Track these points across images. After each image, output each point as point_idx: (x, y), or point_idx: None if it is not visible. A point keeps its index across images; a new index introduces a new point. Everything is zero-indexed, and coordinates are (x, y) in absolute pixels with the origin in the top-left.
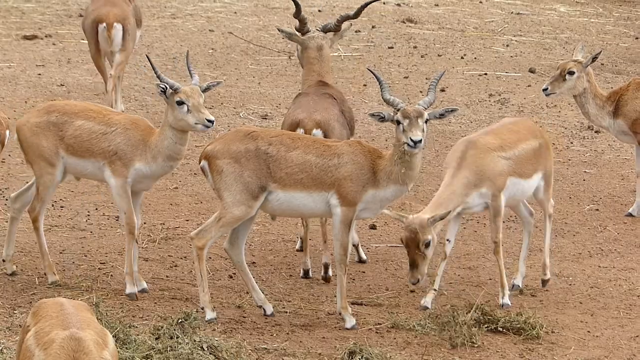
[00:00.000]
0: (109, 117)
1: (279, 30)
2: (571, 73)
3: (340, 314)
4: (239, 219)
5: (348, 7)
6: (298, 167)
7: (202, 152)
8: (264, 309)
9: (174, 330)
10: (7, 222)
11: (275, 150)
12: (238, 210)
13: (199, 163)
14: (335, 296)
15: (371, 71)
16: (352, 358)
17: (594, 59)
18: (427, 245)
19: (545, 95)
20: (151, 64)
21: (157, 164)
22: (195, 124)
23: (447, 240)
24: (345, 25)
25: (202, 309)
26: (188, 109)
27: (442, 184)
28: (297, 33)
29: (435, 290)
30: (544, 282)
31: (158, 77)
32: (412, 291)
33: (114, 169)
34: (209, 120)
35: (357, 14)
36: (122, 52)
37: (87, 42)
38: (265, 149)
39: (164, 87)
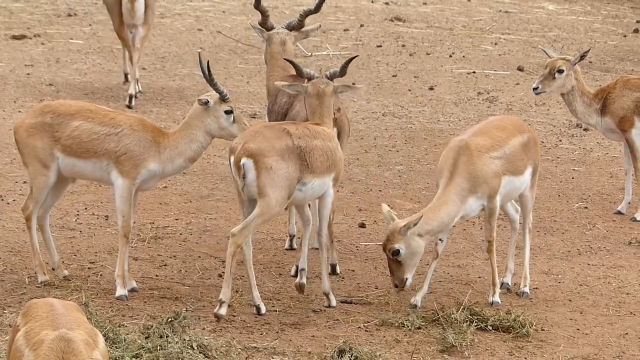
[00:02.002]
0: (110, 117)
1: (253, 28)
2: (560, 71)
3: (326, 294)
4: (277, 215)
5: (337, 7)
6: (325, 155)
7: (242, 150)
8: (258, 308)
9: (164, 329)
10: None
11: (304, 143)
12: (279, 207)
13: (239, 161)
14: (324, 295)
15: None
16: (341, 356)
17: (583, 56)
18: (394, 253)
19: (535, 94)
20: (201, 66)
21: (173, 165)
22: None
23: (440, 240)
24: (313, 25)
25: (221, 301)
26: (234, 120)
27: (436, 195)
28: (263, 29)
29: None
30: (522, 294)
31: (213, 83)
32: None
33: (122, 170)
34: None
35: (317, 8)
36: (145, 26)
37: (109, 15)
38: (298, 143)
39: (206, 100)
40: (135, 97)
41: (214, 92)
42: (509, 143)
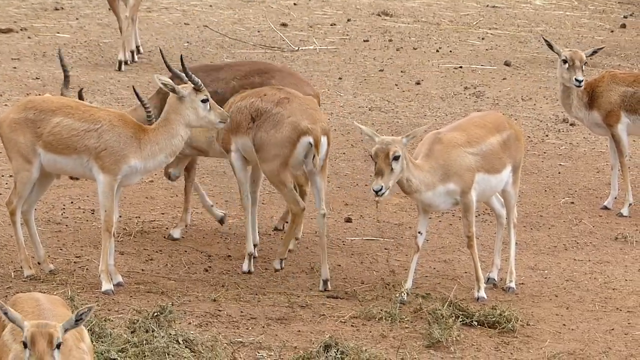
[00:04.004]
0: (90, 113)
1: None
2: (586, 64)
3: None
4: None
5: (324, 1)
6: None
7: (321, 130)
8: (325, 282)
9: (150, 323)
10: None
11: None
12: None
13: (320, 140)
14: (311, 289)
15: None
16: (327, 351)
17: (595, 52)
18: (396, 158)
19: (580, 87)
20: (164, 59)
21: (155, 161)
22: (219, 122)
23: (419, 232)
24: None
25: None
26: (210, 107)
27: None
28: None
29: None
30: (508, 289)
31: (187, 74)
32: (387, 284)
33: (102, 166)
34: (228, 116)
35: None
36: None
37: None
38: None
39: (181, 92)
40: (126, 63)
41: (188, 83)
42: (487, 141)
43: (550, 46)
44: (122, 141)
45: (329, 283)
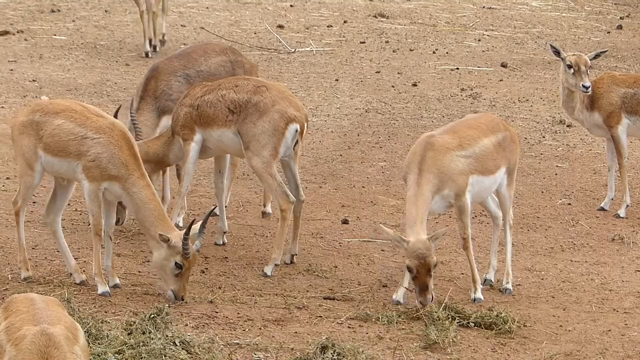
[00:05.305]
0: (92, 120)
1: None
2: (591, 67)
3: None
4: None
5: (320, 2)
6: None
7: (304, 117)
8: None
9: (146, 325)
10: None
11: None
12: None
13: (304, 127)
14: (307, 290)
15: None
16: (324, 353)
17: (597, 55)
18: (436, 265)
19: (587, 92)
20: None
21: (123, 198)
22: (169, 294)
23: None
24: None
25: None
26: (178, 275)
27: (409, 194)
28: None
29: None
30: (505, 291)
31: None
32: (384, 286)
33: (88, 174)
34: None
35: None
36: None
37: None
38: None
39: (167, 238)
40: (154, 51)
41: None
42: (480, 142)
43: (557, 52)
44: (111, 162)
45: (295, 257)
